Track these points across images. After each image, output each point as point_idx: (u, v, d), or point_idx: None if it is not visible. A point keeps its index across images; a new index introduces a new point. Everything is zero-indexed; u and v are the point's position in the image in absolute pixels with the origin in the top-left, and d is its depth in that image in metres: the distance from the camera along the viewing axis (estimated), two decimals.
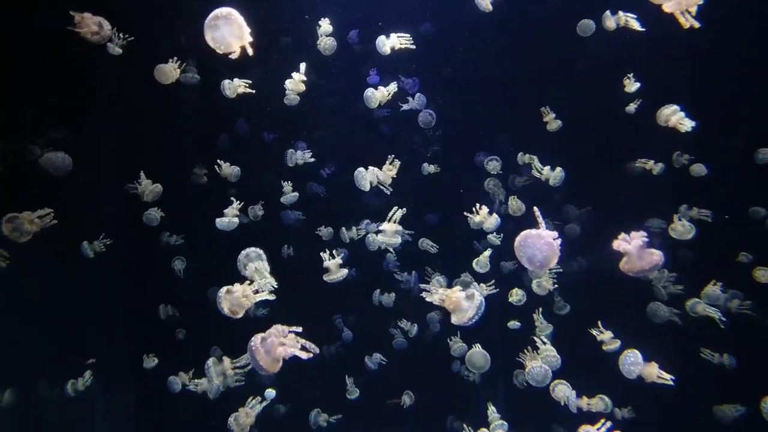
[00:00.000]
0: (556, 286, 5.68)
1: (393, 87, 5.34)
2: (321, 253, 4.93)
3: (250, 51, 3.79)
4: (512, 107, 6.01)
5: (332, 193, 6.48)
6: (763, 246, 5.34)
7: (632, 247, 3.77)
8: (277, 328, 3.47)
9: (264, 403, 4.61)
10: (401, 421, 6.76)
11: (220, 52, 3.88)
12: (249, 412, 4.59)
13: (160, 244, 6.16)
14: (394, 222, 4.82)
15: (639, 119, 5.18)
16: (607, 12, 4.94)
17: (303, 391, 6.54)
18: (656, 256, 3.77)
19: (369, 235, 6.17)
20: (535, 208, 3.61)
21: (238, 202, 5.42)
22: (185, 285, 6.25)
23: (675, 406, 5.27)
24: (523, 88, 5.95)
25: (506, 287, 5.72)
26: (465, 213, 5.17)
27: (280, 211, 6.34)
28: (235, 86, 5.13)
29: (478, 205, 5.12)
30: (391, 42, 5.23)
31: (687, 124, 4.74)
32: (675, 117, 4.80)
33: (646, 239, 3.78)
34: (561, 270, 5.59)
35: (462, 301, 3.54)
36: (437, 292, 3.60)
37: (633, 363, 4.04)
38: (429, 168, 6.23)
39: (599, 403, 4.97)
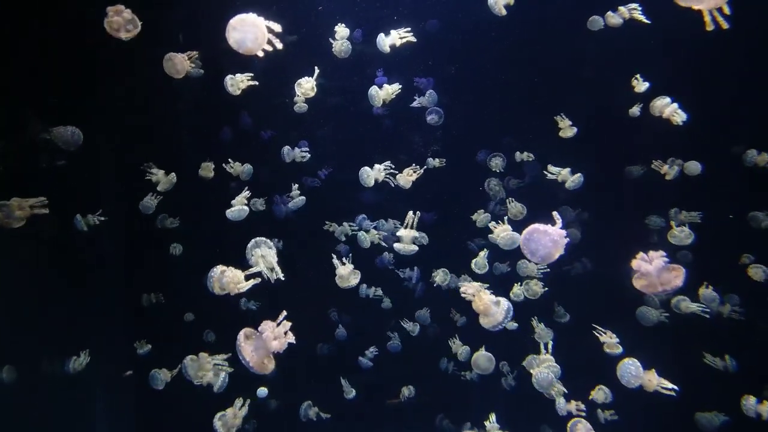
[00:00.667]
0: (546, 288, 5.71)
1: (396, 86, 5.31)
2: (333, 260, 4.88)
3: (279, 45, 3.83)
4: (518, 108, 6.04)
5: (328, 188, 6.45)
6: (762, 248, 5.42)
7: (653, 268, 3.68)
8: (268, 324, 3.43)
9: (249, 403, 4.54)
10: (392, 419, 6.76)
11: (241, 52, 3.90)
12: (237, 413, 4.50)
13: (157, 227, 6.09)
14: (412, 228, 4.76)
15: (643, 122, 5.19)
16: (609, 12, 4.94)
17: (298, 389, 6.51)
18: (678, 278, 3.68)
19: (361, 233, 6.14)
20: (555, 213, 3.62)
21: (247, 190, 5.34)
22: (182, 271, 6.15)
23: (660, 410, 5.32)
24: (529, 90, 5.98)
25: (497, 288, 5.72)
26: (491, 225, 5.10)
27: (278, 205, 6.29)
28: (238, 82, 5.07)
29: (503, 221, 5.09)
30: (391, 39, 5.19)
31: (680, 116, 4.71)
32: (668, 109, 4.76)
33: (667, 260, 3.69)
34: (548, 270, 5.64)
35: (491, 305, 3.53)
36: (471, 286, 3.58)
37: (635, 376, 3.93)
38: (434, 162, 6.18)
39: (599, 393, 4.99)
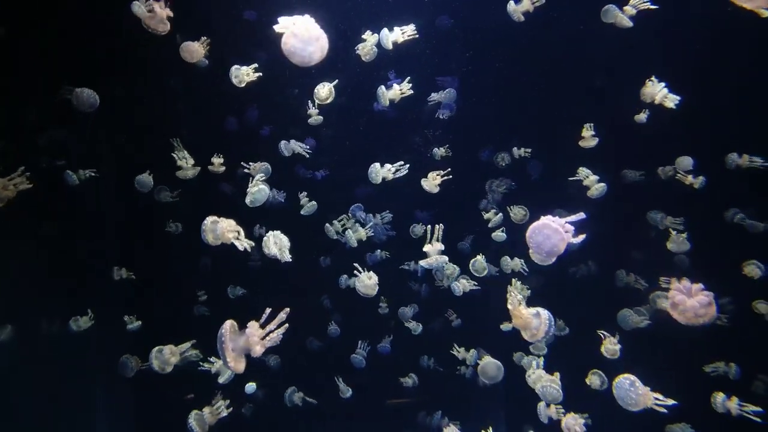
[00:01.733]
0: (530, 290, 5.73)
1: (406, 86, 5.25)
2: (356, 271, 4.95)
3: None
4: (523, 109, 6.05)
5: (326, 185, 6.41)
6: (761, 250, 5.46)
7: (697, 301, 3.65)
8: (253, 325, 3.40)
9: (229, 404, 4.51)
10: (391, 417, 6.80)
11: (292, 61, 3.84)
12: (215, 412, 4.46)
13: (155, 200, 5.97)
14: (437, 240, 4.72)
15: (650, 127, 5.19)
16: (618, 12, 4.88)
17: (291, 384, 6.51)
18: (712, 310, 3.66)
19: (348, 231, 6.11)
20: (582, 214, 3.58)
21: (262, 174, 5.21)
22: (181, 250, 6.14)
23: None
24: (536, 93, 5.98)
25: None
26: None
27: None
28: (243, 74, 4.99)
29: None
30: (394, 36, 5.11)
31: (672, 100, 4.59)
32: (660, 94, 4.64)
33: (707, 295, 3.66)
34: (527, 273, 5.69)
35: (532, 318, 3.49)
36: (511, 298, 3.55)
37: (635, 402, 3.76)
38: (440, 151, 6.10)
39: (595, 379, 5.03)
